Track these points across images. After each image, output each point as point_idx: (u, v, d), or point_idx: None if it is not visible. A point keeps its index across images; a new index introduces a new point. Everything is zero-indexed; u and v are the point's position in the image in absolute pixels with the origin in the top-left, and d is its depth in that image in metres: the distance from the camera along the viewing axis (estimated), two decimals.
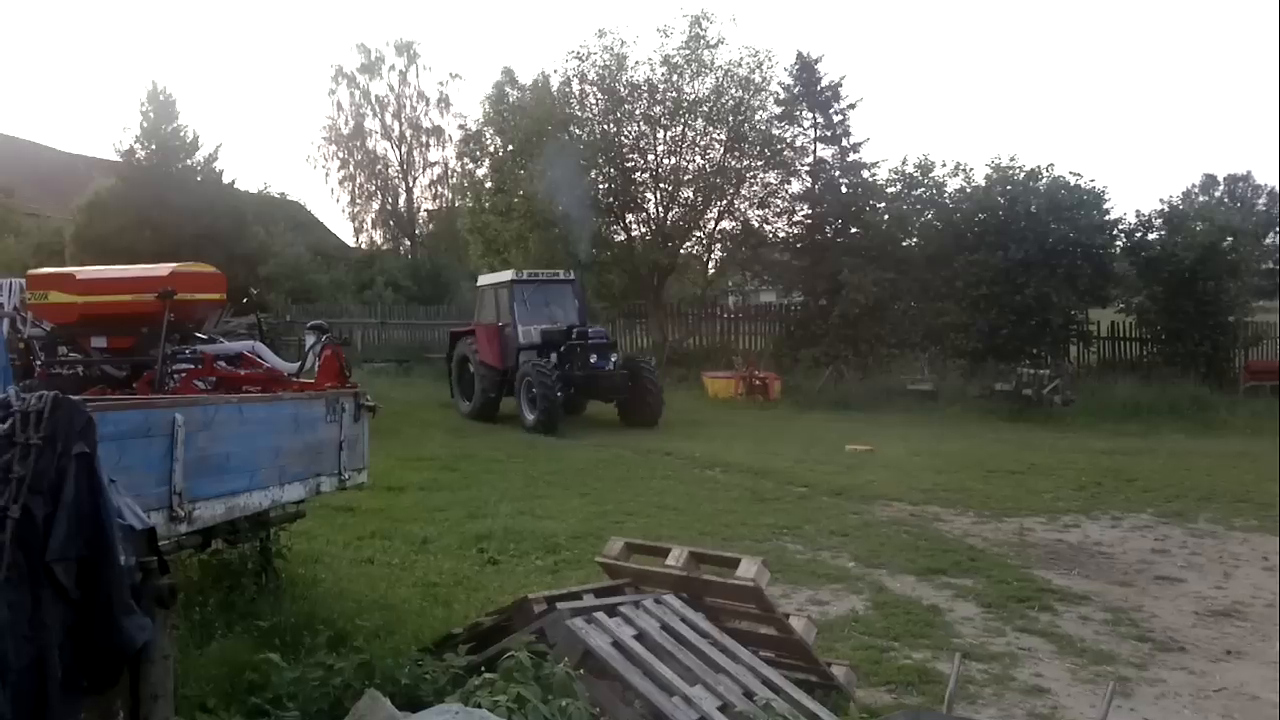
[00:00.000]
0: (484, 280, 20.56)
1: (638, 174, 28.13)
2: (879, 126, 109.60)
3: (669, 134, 28.03)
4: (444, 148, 47.34)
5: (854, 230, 26.02)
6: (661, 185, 28.20)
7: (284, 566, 6.43)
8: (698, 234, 29.79)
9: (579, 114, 27.95)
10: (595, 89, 27.85)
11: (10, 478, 2.81)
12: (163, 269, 7.89)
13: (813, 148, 27.31)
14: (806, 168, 27.51)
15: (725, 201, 28.58)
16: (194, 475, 4.36)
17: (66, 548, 2.85)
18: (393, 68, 47.06)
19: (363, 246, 46.53)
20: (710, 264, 31.71)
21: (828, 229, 26.66)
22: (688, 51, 27.37)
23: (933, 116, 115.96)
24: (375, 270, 35.35)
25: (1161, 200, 34.61)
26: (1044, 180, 24.61)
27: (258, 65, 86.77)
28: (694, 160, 28.32)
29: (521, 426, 17.16)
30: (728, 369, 23.96)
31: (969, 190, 25.38)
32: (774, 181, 28.28)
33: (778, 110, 27.53)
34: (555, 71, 29.02)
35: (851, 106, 26.65)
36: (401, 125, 47.43)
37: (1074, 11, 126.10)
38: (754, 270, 31.18)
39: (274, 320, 22.62)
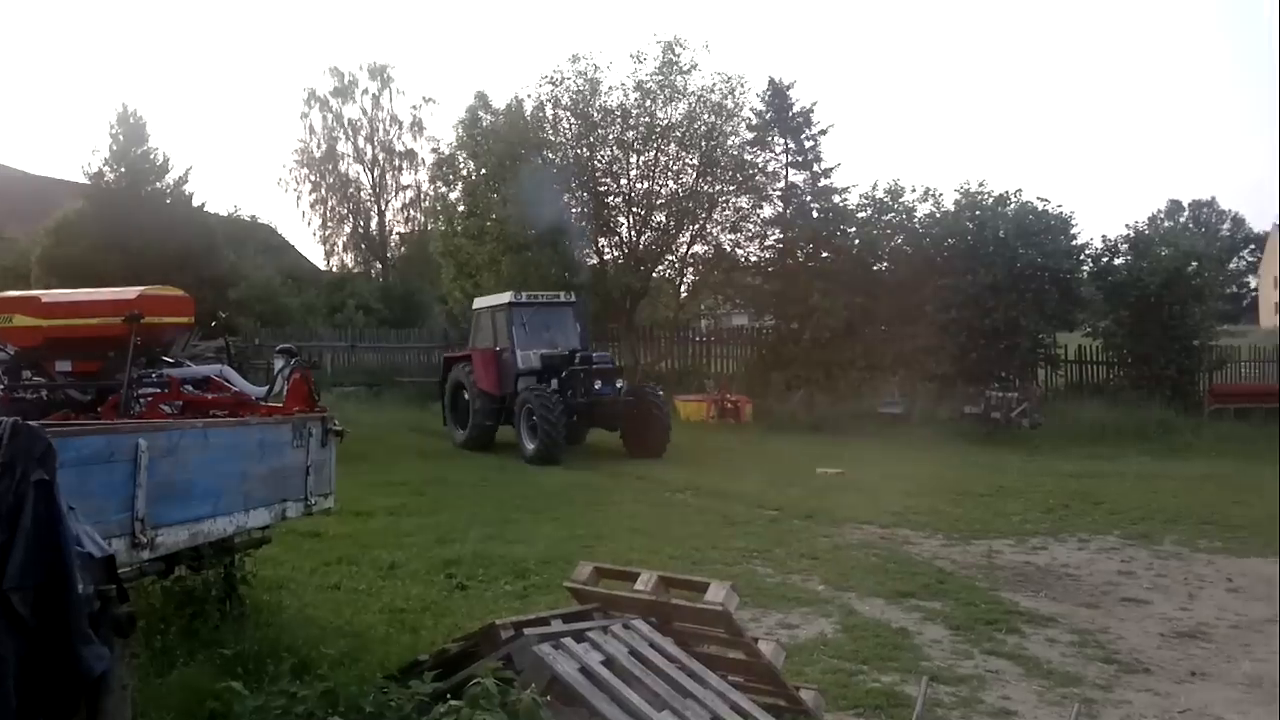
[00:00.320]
0: (480, 303, 19.71)
1: (610, 198, 28.24)
2: (850, 152, 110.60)
3: (642, 158, 28.20)
4: (417, 171, 47.26)
5: (825, 254, 26.17)
6: (634, 209, 28.31)
7: (248, 593, 6.38)
8: (670, 258, 29.94)
9: (552, 138, 28.06)
10: (569, 113, 28.00)
11: None
12: (130, 292, 7.81)
13: (784, 173, 27.55)
14: (778, 193, 27.75)
15: (697, 226, 28.75)
16: (157, 501, 4.32)
17: (24, 576, 2.82)
18: (366, 91, 47.00)
19: (334, 269, 46.31)
20: (682, 287, 31.80)
21: (799, 253, 26.81)
22: (661, 77, 27.57)
23: (903, 142, 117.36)
24: (346, 293, 35.14)
25: (1127, 225, 35.18)
26: (1012, 205, 24.89)
27: (229, 88, 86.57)
28: (667, 185, 28.53)
29: (520, 456, 16.45)
30: (699, 392, 24.01)
31: (938, 215, 25.61)
32: (746, 206, 28.53)
33: (750, 136, 27.77)
34: (529, 96, 29.14)
35: (823, 132, 26.94)
36: (374, 148, 47.31)
37: (1043, 41, 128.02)
38: (726, 294, 31.29)
39: (243, 344, 22.44)
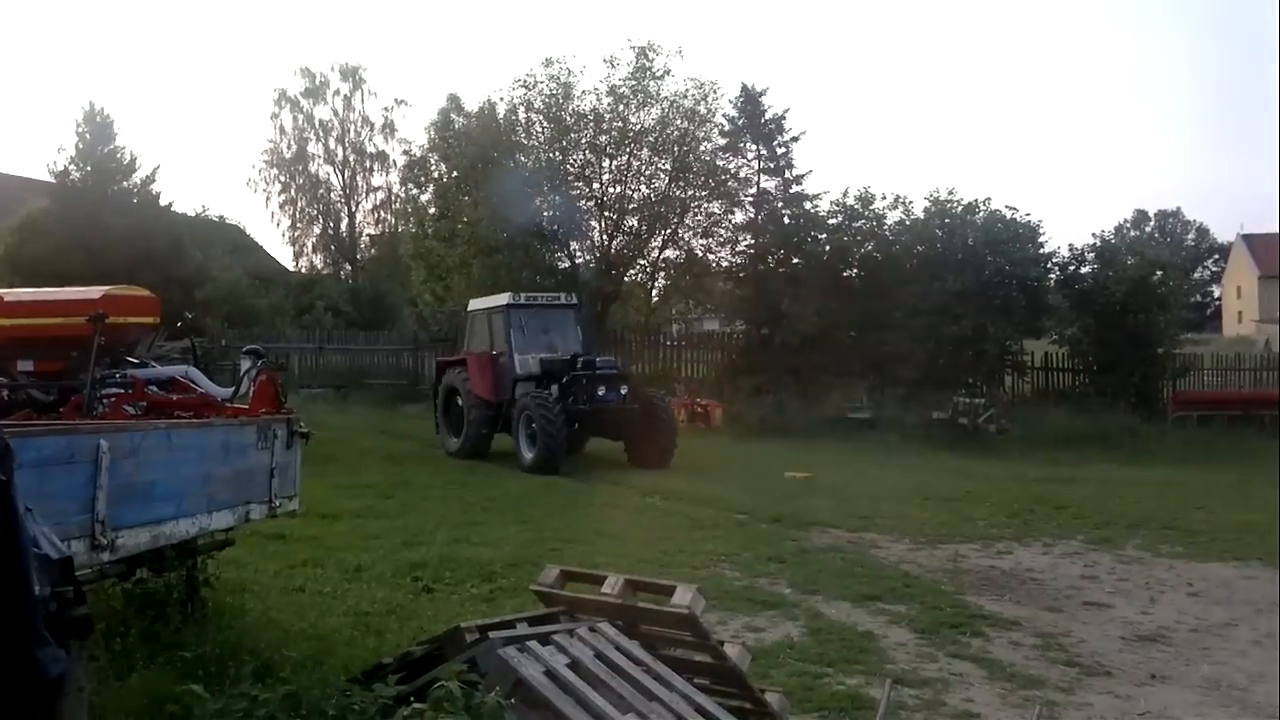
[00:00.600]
0: (476, 304, 18.93)
1: (583, 202, 28.21)
2: (821, 159, 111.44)
3: (614, 163, 28.17)
4: (388, 173, 47.10)
5: (796, 260, 26.30)
6: (606, 214, 28.31)
7: (211, 596, 6.31)
8: (642, 262, 29.94)
9: (525, 141, 27.98)
10: (541, 117, 27.92)
11: None
12: (94, 292, 7.73)
13: (756, 179, 27.64)
14: (750, 198, 27.82)
15: (669, 230, 28.76)
16: (118, 502, 4.27)
17: None
18: (337, 92, 46.82)
19: (303, 271, 46.00)
20: (654, 292, 31.84)
21: (770, 259, 26.92)
22: (634, 82, 27.56)
23: (874, 150, 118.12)
24: (315, 295, 34.89)
25: (1094, 234, 35.59)
26: (981, 214, 25.17)
27: (199, 87, 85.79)
28: (639, 189, 28.50)
29: (517, 465, 15.78)
30: (670, 396, 24.00)
31: (908, 222, 25.85)
32: (718, 211, 28.56)
33: (722, 142, 27.84)
34: (501, 99, 29.04)
35: (795, 139, 27.07)
36: (345, 150, 47.12)
37: (1014, 52, 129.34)
38: (697, 299, 31.34)
39: (209, 345, 22.24)
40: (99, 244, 25.05)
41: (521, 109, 28.07)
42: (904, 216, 26.10)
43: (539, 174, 26.96)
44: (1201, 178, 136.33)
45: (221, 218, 39.21)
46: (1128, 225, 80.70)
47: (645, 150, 27.90)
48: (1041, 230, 25.06)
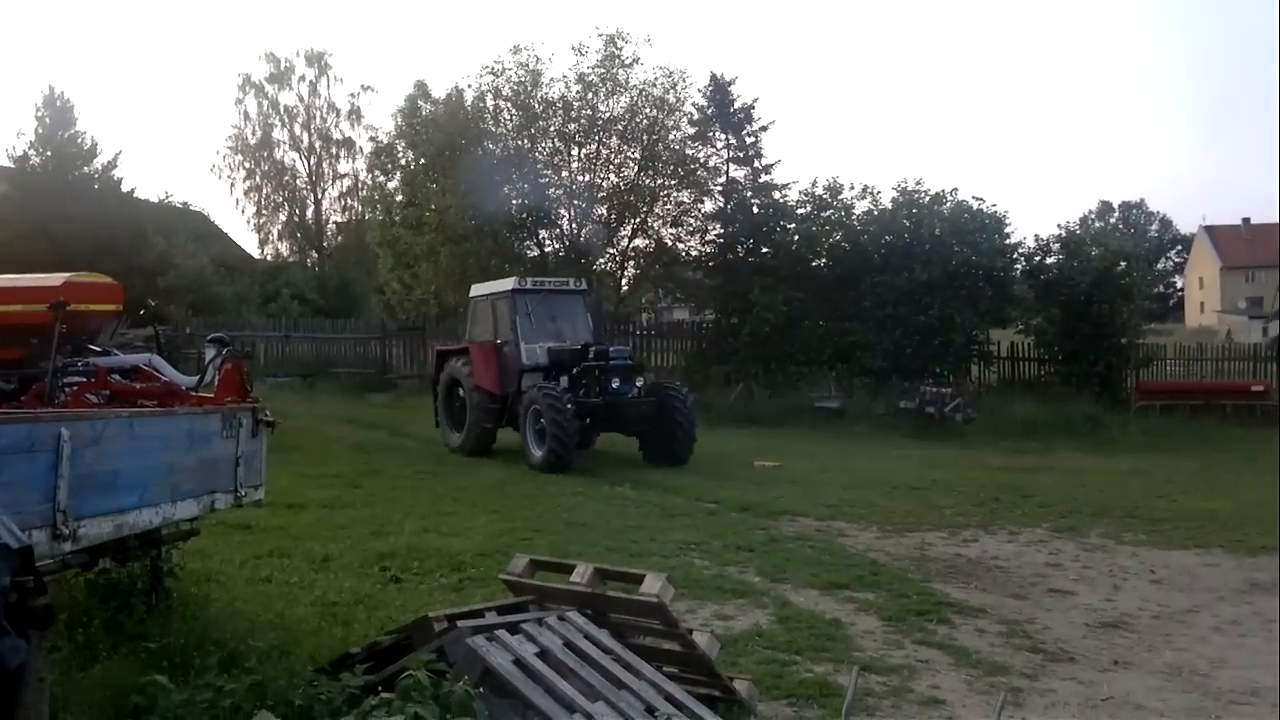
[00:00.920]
0: (478, 290, 17.74)
1: (551, 190, 28.10)
2: (790, 149, 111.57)
3: (583, 151, 28.08)
4: (354, 160, 46.79)
5: (765, 250, 26.33)
6: (575, 202, 28.22)
7: (175, 586, 6.25)
8: (611, 251, 29.87)
9: (493, 129, 27.82)
10: (509, 104, 27.74)
11: None
12: (55, 279, 7.59)
13: (725, 168, 27.59)
14: (719, 188, 27.78)
15: (638, 219, 28.72)
16: (80, 492, 4.20)
17: None
18: (303, 78, 46.45)
19: (268, 258, 45.59)
20: (623, 281, 31.81)
21: (739, 248, 26.93)
22: (603, 70, 27.45)
23: (842, 140, 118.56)
24: (281, 282, 34.61)
25: (1059, 225, 36.08)
26: (948, 204, 25.30)
27: (162, 72, 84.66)
28: (608, 178, 28.43)
29: (525, 462, 14.88)
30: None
31: (876, 213, 25.89)
32: (687, 201, 28.51)
33: (691, 131, 27.77)
34: (469, 86, 28.83)
35: (764, 129, 27.02)
36: (311, 136, 46.76)
37: (981, 43, 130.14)
38: (666, 288, 31.36)
39: (173, 333, 21.97)
40: (60, 231, 24.74)
41: (490, 96, 27.91)
42: (872, 206, 26.17)
43: (507, 162, 26.82)
44: (1165, 170, 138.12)
45: (185, 204, 38.91)
46: (1093, 216, 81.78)
47: (614, 139, 27.83)
48: (1008, 221, 25.27)
